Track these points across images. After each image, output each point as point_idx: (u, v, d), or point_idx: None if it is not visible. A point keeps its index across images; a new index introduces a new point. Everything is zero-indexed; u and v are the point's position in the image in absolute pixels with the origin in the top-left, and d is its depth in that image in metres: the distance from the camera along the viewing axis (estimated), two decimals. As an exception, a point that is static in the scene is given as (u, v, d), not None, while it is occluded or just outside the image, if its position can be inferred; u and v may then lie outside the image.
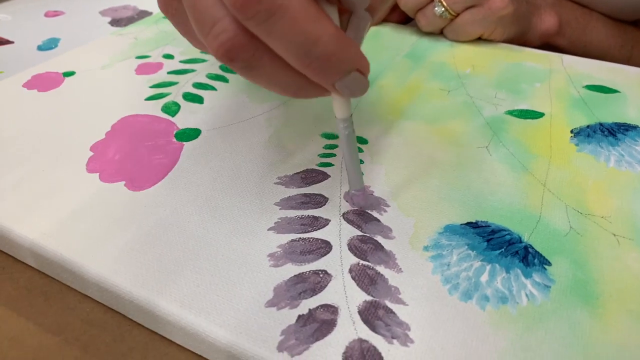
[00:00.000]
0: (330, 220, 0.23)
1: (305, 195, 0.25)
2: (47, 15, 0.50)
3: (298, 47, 0.16)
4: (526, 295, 0.20)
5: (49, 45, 0.44)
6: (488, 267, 0.21)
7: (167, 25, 0.43)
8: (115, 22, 0.48)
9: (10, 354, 0.20)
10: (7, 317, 0.21)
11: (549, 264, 0.21)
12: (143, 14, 0.50)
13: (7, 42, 0.44)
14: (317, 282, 0.20)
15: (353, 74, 0.18)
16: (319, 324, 0.19)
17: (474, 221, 0.23)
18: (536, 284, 0.20)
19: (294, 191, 0.25)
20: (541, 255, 0.22)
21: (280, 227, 0.23)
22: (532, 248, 0.22)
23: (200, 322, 0.19)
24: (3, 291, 0.23)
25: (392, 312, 0.19)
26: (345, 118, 0.21)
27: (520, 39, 0.42)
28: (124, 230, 0.23)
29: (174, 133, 0.29)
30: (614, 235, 0.23)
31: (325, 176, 0.26)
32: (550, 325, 0.19)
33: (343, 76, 0.18)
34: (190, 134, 0.29)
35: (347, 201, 0.24)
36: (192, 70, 0.36)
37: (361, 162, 0.27)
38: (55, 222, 0.23)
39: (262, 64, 0.17)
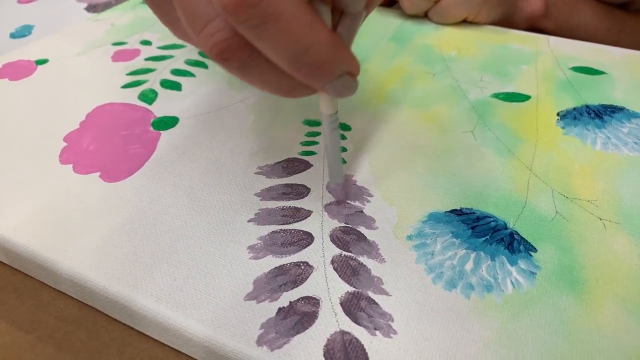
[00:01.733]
0: (312, 212, 0.23)
1: (286, 185, 0.24)
2: (20, 1, 0.48)
3: (289, 54, 0.16)
4: (512, 282, 0.20)
5: (22, 32, 0.42)
6: (473, 255, 0.21)
7: (145, 11, 0.42)
8: (92, 8, 0.47)
9: (-20, 354, 0.19)
10: (-22, 315, 0.21)
11: (535, 250, 0.21)
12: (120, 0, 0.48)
13: (-22, 29, 0.42)
14: (299, 274, 0.20)
15: (344, 76, 0.17)
16: (300, 316, 0.18)
17: (458, 208, 0.23)
18: (522, 271, 0.20)
19: (275, 181, 0.24)
20: (527, 241, 0.21)
21: (261, 218, 0.22)
22: (518, 234, 0.22)
23: (177, 317, 0.18)
24: (-27, 289, 0.22)
25: (374, 303, 0.19)
26: (332, 114, 0.20)
27: (506, 22, 0.41)
28: (99, 223, 0.22)
29: (151, 122, 0.28)
30: (600, 219, 0.22)
31: (308, 165, 0.25)
32: (536, 313, 0.19)
33: (334, 79, 0.17)
34: (168, 123, 0.28)
35: (329, 192, 0.23)
36: (170, 57, 0.35)
37: (344, 149, 0.26)
38: (26, 216, 0.22)
39: (257, 65, 0.17)
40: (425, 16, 0.40)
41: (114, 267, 0.20)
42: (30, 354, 0.19)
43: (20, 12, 0.46)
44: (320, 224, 0.22)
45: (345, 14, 0.18)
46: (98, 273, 0.20)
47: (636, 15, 0.47)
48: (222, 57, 0.16)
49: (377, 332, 0.18)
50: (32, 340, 0.20)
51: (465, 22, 0.40)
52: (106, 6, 0.47)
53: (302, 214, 0.22)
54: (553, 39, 0.38)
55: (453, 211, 0.23)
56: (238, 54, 0.16)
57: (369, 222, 0.22)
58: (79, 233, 0.21)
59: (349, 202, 0.23)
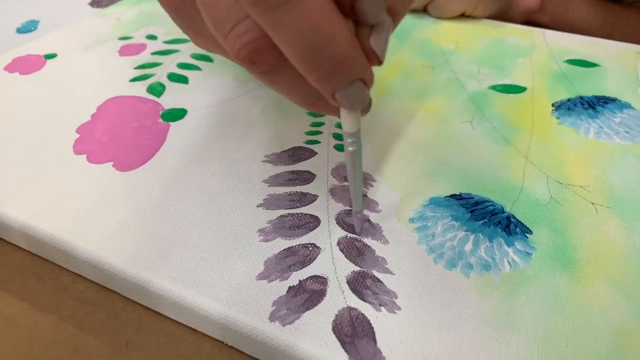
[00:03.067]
0: (318, 196, 0.24)
1: (293, 172, 0.25)
2: (25, -4, 0.49)
3: (309, 44, 0.15)
4: (508, 262, 0.21)
5: (29, 27, 0.43)
6: (472, 237, 0.22)
7: (149, 6, 0.42)
8: (96, 3, 0.47)
9: (5, 333, 0.20)
10: (1, 297, 0.22)
11: (530, 232, 0.22)
12: (124, -5, 0.49)
13: (-15, 25, 0.43)
14: (307, 255, 0.21)
15: (356, 83, 0.16)
16: (309, 294, 0.19)
17: (457, 193, 0.24)
18: (518, 252, 0.21)
19: (282, 168, 0.25)
20: (523, 224, 0.22)
21: (270, 203, 0.23)
22: (514, 218, 0.23)
23: (193, 296, 0.19)
24: (-5, 273, 0.23)
25: (379, 281, 0.20)
26: (353, 132, 0.19)
27: (503, 16, 0.42)
28: (114, 209, 0.23)
29: (160, 114, 0.29)
30: (592, 203, 0.24)
31: (313, 153, 0.26)
32: (531, 290, 0.20)
33: (347, 84, 0.16)
34: (177, 114, 0.29)
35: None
36: (176, 51, 0.36)
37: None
38: (45, 203, 0.23)
39: (284, 70, 0.16)
40: (424, 10, 0.41)
41: (130, 251, 0.21)
42: (53, 333, 0.20)
43: (25, 7, 0.46)
44: (326, 208, 0.23)
45: (373, 27, 0.17)
46: (116, 256, 0.21)
47: (629, 9, 0.48)
48: (250, 58, 0.16)
49: (382, 308, 0.19)
50: (54, 320, 0.21)
51: (462, 16, 0.41)
52: (110, 1, 0.48)
53: (308, 199, 0.24)
54: (549, 33, 0.39)
55: (453, 196, 0.24)
56: (266, 57, 0.16)
57: (373, 206, 0.23)
58: (95, 219, 0.22)
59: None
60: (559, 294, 0.20)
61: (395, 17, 0.18)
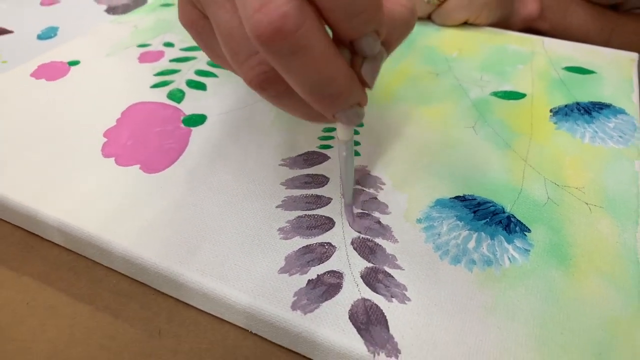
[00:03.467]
0: (332, 199, 0.26)
1: (308, 175, 0.27)
2: (42, 4, 0.51)
3: (313, 85, 0.17)
4: (508, 258, 0.23)
5: (48, 34, 0.45)
6: (475, 235, 0.24)
7: (165, 14, 0.44)
8: (111, 10, 0.49)
9: (49, 321, 0.22)
10: (42, 290, 0.24)
11: (529, 230, 0.24)
12: (138, 2, 0.51)
13: (7, 31, 0.45)
14: (323, 252, 0.23)
15: (355, 106, 0.19)
16: (327, 286, 0.21)
17: (461, 195, 0.26)
18: (517, 249, 0.23)
19: (297, 172, 0.27)
20: (522, 223, 0.24)
21: (287, 204, 0.25)
22: (514, 217, 0.25)
23: (221, 287, 0.21)
24: (35, 268, 0.25)
25: (390, 275, 0.22)
26: (347, 140, 0.22)
27: (504, 24, 0.44)
28: (144, 208, 0.25)
29: (182, 119, 0.31)
30: (587, 204, 0.25)
31: (326, 158, 0.28)
32: (530, 283, 0.22)
33: (346, 109, 0.19)
34: (197, 120, 0.31)
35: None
36: (193, 58, 0.38)
37: (358, 143, 0.29)
38: (78, 202, 0.25)
39: (290, 95, 0.18)
40: (428, 19, 0.43)
41: (161, 246, 0.23)
42: (92, 322, 0.22)
43: (43, 14, 0.48)
44: (340, 210, 0.25)
45: (366, 58, 0.19)
46: (148, 251, 0.23)
47: (626, 16, 0.50)
48: (261, 87, 0.18)
49: (394, 299, 0.21)
50: (91, 310, 0.23)
51: (466, 24, 0.42)
52: (125, 8, 0.49)
53: (323, 201, 0.25)
54: (548, 40, 0.41)
55: (457, 197, 0.26)
56: (275, 86, 0.18)
57: (383, 208, 0.25)
58: (127, 217, 0.24)
59: (364, 189, 0.26)
60: (555, 287, 0.21)
61: (389, 49, 0.20)
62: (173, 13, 0.44)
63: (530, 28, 0.47)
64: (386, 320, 0.20)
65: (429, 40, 0.40)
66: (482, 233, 0.24)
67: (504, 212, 0.25)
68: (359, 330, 0.20)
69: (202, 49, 0.22)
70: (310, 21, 0.16)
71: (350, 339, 0.19)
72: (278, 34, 0.15)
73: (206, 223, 0.24)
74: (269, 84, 0.18)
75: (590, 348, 0.19)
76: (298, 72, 0.17)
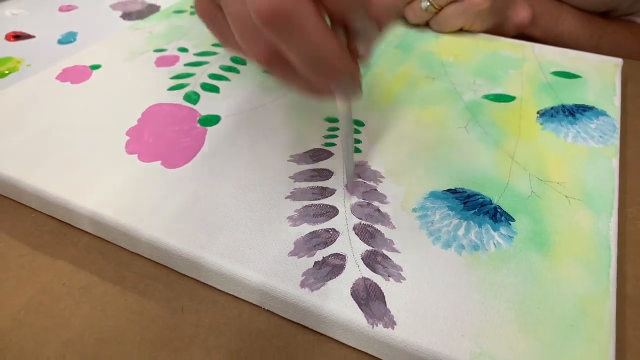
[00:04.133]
0: (336, 190, 0.28)
1: (314, 170, 0.30)
2: (61, 9, 0.54)
3: (308, 58, 0.20)
4: (494, 244, 0.25)
5: (68, 38, 0.47)
6: (464, 224, 0.26)
7: (178, 21, 0.47)
8: (127, 16, 0.52)
9: (83, 299, 0.25)
10: (75, 272, 0.26)
11: (513, 220, 0.27)
12: (152, 8, 0.54)
13: (29, 36, 0.48)
14: (328, 237, 0.25)
15: (346, 77, 0.22)
16: (331, 267, 0.24)
17: (453, 188, 0.29)
18: (502, 236, 0.26)
19: (304, 167, 0.30)
20: (507, 213, 0.27)
21: (295, 195, 0.28)
22: (500, 208, 0.27)
23: (238, 269, 0.24)
24: (68, 253, 0.27)
25: (388, 258, 0.24)
26: (344, 112, 0.25)
27: (498, 30, 0.47)
28: (166, 199, 0.27)
29: (197, 119, 0.34)
30: (567, 197, 0.28)
31: (330, 154, 0.31)
32: (512, 266, 0.24)
33: (339, 79, 0.22)
34: (212, 120, 0.34)
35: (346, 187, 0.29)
36: (206, 62, 0.40)
37: (359, 141, 0.32)
38: (107, 194, 0.28)
39: (294, 71, 0.21)
40: (426, 25, 0.46)
41: (184, 233, 0.26)
42: (121, 300, 0.25)
43: (62, 20, 0.51)
44: (343, 200, 0.27)
45: (359, 35, 0.22)
46: (172, 237, 0.25)
47: (615, 22, 0.52)
48: (268, 64, 0.21)
49: (390, 278, 0.23)
50: (120, 289, 0.25)
51: (461, 30, 0.45)
52: (140, 14, 0.52)
53: (327, 192, 0.28)
54: (538, 47, 0.43)
55: (449, 190, 0.28)
56: (279, 63, 0.21)
57: (382, 198, 0.28)
58: (151, 207, 0.27)
59: (365, 181, 0.29)
60: (535, 269, 0.24)
61: (381, 26, 0.23)
62: (185, 20, 0.47)
63: (524, 34, 0.49)
64: (384, 297, 0.23)
65: (427, 46, 0.43)
66: (471, 222, 0.26)
67: (491, 204, 0.28)
68: (359, 305, 0.22)
69: (215, 36, 0.25)
70: (304, 2, 0.18)
71: (352, 313, 0.22)
72: (277, 14, 0.18)
73: (223, 213, 0.27)
74: (274, 61, 0.21)
75: (563, 320, 0.22)
76: (295, 47, 0.19)
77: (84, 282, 0.26)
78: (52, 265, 0.27)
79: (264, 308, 0.24)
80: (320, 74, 0.21)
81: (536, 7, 0.48)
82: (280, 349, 0.23)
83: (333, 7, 0.20)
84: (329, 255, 0.24)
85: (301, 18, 0.18)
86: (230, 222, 0.26)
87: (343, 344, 0.23)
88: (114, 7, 0.54)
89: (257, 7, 0.18)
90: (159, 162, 0.30)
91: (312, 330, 0.24)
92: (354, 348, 0.23)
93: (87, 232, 0.28)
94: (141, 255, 0.27)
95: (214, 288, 0.25)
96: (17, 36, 0.48)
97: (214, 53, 0.42)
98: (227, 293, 0.25)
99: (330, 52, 0.20)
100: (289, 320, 0.24)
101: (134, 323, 0.24)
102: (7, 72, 0.42)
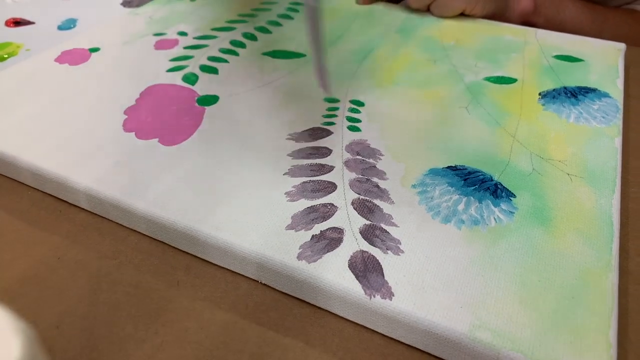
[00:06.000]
0: (334, 167, 0.28)
1: (313, 147, 0.29)
2: (62, -3, 0.53)
3: None
4: (494, 219, 0.25)
5: (68, 25, 0.47)
6: (464, 199, 0.26)
7: (178, 6, 0.47)
8: (127, 3, 0.52)
9: (78, 273, 0.25)
10: (71, 247, 0.26)
11: (514, 196, 0.26)
12: (152, -4, 0.53)
13: (29, 22, 0.48)
14: (326, 211, 0.25)
15: None
16: (329, 240, 0.23)
17: (453, 165, 0.28)
18: (503, 211, 0.25)
19: (303, 145, 0.30)
20: (508, 190, 0.27)
21: (294, 172, 0.28)
22: (501, 185, 0.27)
23: (234, 241, 0.23)
24: (63, 228, 0.27)
25: (386, 231, 0.24)
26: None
27: (502, 18, 0.46)
28: (163, 175, 0.27)
29: (196, 99, 0.34)
30: (568, 174, 0.28)
31: (329, 133, 0.31)
32: (512, 240, 0.24)
33: None
34: (210, 100, 0.34)
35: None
36: (206, 46, 0.40)
37: (358, 120, 0.32)
38: (104, 171, 0.28)
39: None
40: (427, 10, 0.45)
41: (180, 207, 0.25)
42: (117, 274, 0.25)
43: (63, 7, 0.51)
44: (341, 176, 0.27)
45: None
46: (168, 212, 0.25)
47: (615, 10, 0.52)
48: None
49: (389, 251, 0.23)
50: (116, 264, 0.25)
51: (462, 15, 0.45)
52: (140, 1, 0.52)
53: (326, 169, 0.28)
54: (540, 32, 0.43)
55: (449, 167, 0.28)
56: None
57: (381, 175, 0.27)
58: (148, 183, 0.27)
59: (364, 159, 0.28)
60: (535, 243, 0.24)
61: None
62: (186, 5, 0.47)
63: (527, 23, 0.49)
64: (382, 269, 0.22)
65: (427, 31, 0.43)
66: (471, 197, 0.26)
67: (491, 180, 0.27)
68: (357, 277, 0.22)
69: None
70: None
71: (350, 284, 0.22)
72: None
73: (220, 188, 0.26)
74: None
75: (565, 292, 0.21)
76: None
77: (80, 257, 0.26)
78: (48, 240, 0.26)
79: (260, 282, 0.24)
80: None
81: (538, -5, 0.48)
82: (277, 322, 0.23)
83: None
84: (327, 229, 0.24)
85: None
86: (227, 197, 0.26)
87: (340, 317, 0.23)
88: (114, -6, 0.54)
89: None
90: (157, 139, 0.30)
91: (308, 303, 0.23)
92: (351, 321, 0.22)
93: (83, 209, 0.28)
94: (137, 232, 0.27)
95: (210, 263, 0.25)
96: (17, 22, 0.48)
97: (214, 37, 0.41)
98: (223, 268, 0.25)
99: None
100: (286, 294, 0.24)
101: (129, 295, 0.24)
102: (6, 56, 0.42)
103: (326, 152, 0.29)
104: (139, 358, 0.21)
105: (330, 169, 0.28)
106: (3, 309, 0.10)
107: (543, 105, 0.33)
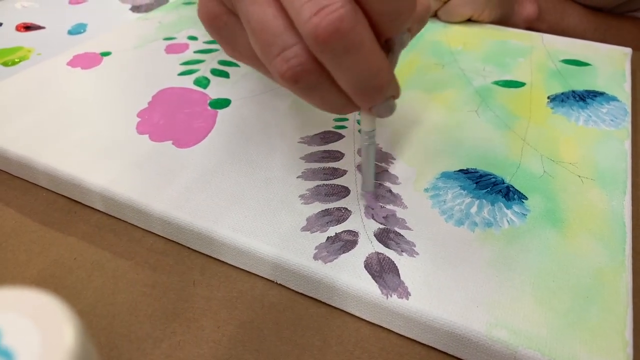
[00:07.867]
0: (347, 171, 0.28)
1: (325, 151, 0.30)
2: (71, 2, 0.54)
3: (361, 79, 0.18)
4: (507, 221, 0.25)
5: (78, 29, 0.48)
6: (477, 202, 0.26)
7: (187, 11, 0.47)
8: (136, 9, 0.52)
9: (95, 273, 0.25)
10: (86, 248, 0.26)
11: (526, 198, 0.26)
12: (160, 0, 0.54)
13: (40, 27, 0.48)
14: (340, 215, 0.25)
15: (390, 99, 0.20)
16: (344, 242, 0.24)
17: (465, 168, 0.28)
18: (515, 213, 0.26)
19: (315, 148, 0.30)
20: (520, 192, 0.27)
21: (307, 175, 0.28)
22: (513, 187, 0.27)
23: (251, 242, 0.24)
24: (79, 229, 0.27)
25: (400, 235, 0.24)
26: (370, 131, 0.23)
27: (507, 24, 0.47)
28: (178, 177, 0.27)
29: (208, 102, 0.34)
30: (579, 176, 0.28)
31: (340, 136, 0.31)
32: (526, 241, 0.24)
33: (383, 102, 0.20)
34: (222, 103, 0.34)
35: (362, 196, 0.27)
36: (216, 50, 0.40)
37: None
38: (119, 172, 0.28)
39: (321, 87, 0.19)
40: (435, 15, 0.46)
41: (196, 208, 0.26)
42: (133, 274, 0.25)
43: (72, 12, 0.51)
44: (354, 180, 0.27)
45: (394, 44, 0.21)
46: (184, 212, 0.25)
47: (618, 17, 0.52)
48: (294, 79, 0.18)
49: (404, 253, 0.23)
50: (132, 264, 0.25)
51: (470, 21, 0.45)
52: (149, 7, 0.53)
53: (339, 173, 0.28)
54: (547, 36, 0.43)
55: (461, 170, 0.28)
56: (309, 78, 0.18)
57: (393, 179, 0.28)
58: (163, 184, 0.27)
59: (377, 163, 0.29)
60: (549, 244, 0.24)
61: (413, 35, 0.23)
62: (194, 10, 0.47)
63: (531, 29, 0.49)
64: (397, 269, 0.22)
65: (435, 36, 0.43)
66: (484, 200, 0.26)
67: (503, 183, 0.27)
68: (373, 277, 0.22)
69: (220, 45, 0.22)
70: (362, 22, 0.17)
71: (366, 284, 0.22)
72: (336, 34, 0.16)
73: (234, 190, 0.27)
74: (302, 76, 0.18)
75: (579, 292, 0.22)
76: (349, 67, 0.18)
77: (96, 257, 0.26)
78: (63, 241, 0.27)
79: (276, 282, 0.24)
80: (368, 95, 0.19)
81: (542, 2, 0.48)
82: (293, 322, 0.23)
83: (384, 27, 0.18)
84: (342, 232, 0.24)
85: (359, 37, 0.17)
86: (242, 198, 0.26)
87: (356, 317, 0.23)
88: (123, 0, 0.55)
89: (313, 27, 0.16)
90: (170, 141, 0.30)
91: (324, 303, 0.23)
92: (367, 321, 0.23)
93: (98, 211, 0.28)
94: (153, 233, 0.27)
95: (226, 263, 0.25)
96: (28, 27, 0.48)
97: (224, 41, 0.42)
98: (239, 268, 0.25)
99: (383, 73, 0.19)
100: (302, 294, 0.24)
101: (145, 295, 0.24)
102: (17, 60, 0.42)
103: (338, 155, 0.29)
104: (158, 357, 0.21)
105: (343, 172, 0.28)
106: (54, 298, 0.10)
107: (552, 108, 0.34)
